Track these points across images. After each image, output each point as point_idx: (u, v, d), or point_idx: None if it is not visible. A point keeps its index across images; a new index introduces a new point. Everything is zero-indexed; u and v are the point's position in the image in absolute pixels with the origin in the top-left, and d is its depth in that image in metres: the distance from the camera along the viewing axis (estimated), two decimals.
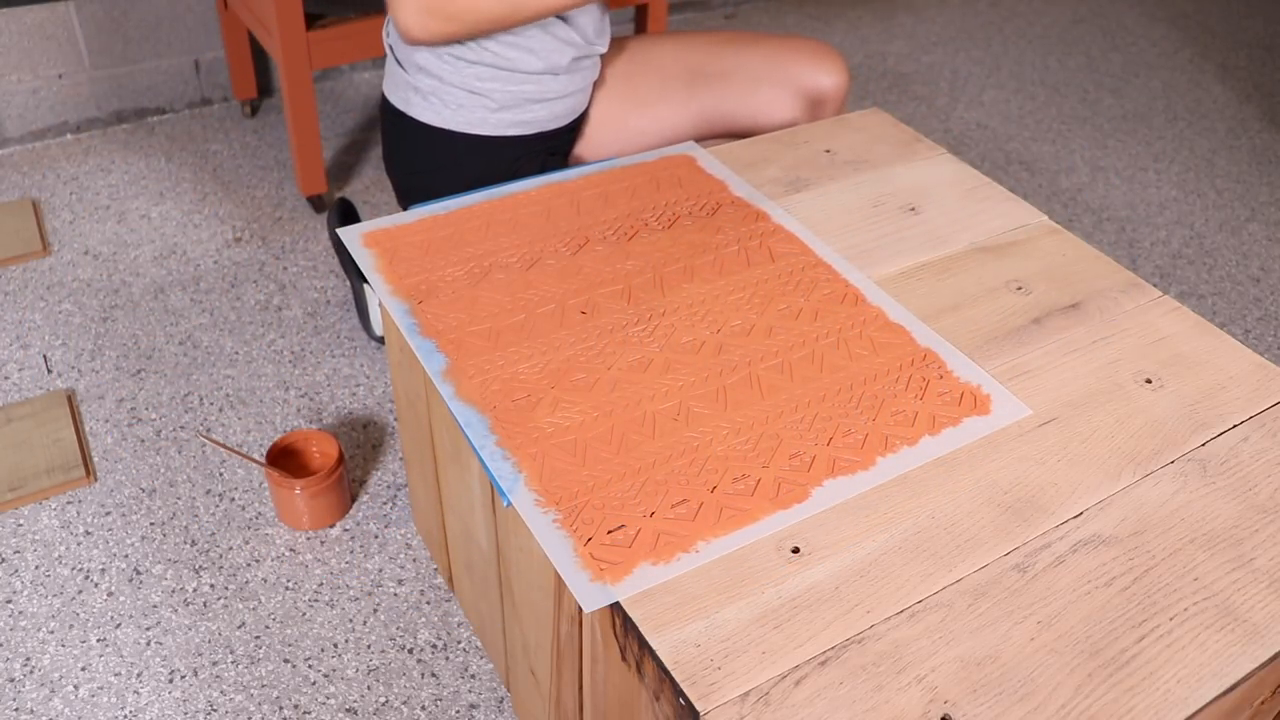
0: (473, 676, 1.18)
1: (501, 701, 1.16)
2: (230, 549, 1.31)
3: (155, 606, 1.24)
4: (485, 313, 0.95)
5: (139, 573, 1.28)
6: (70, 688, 1.15)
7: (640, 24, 2.12)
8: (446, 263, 1.00)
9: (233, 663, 1.19)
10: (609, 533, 0.75)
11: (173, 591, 1.26)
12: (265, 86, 2.23)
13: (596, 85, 1.33)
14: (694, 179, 1.13)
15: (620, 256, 1.02)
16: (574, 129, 1.31)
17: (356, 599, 1.26)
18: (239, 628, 1.22)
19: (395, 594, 1.27)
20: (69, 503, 1.35)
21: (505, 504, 0.80)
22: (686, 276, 0.99)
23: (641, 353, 0.91)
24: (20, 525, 1.32)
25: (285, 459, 1.34)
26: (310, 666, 1.19)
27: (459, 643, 1.22)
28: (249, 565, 1.29)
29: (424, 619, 1.24)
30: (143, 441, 1.44)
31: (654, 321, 0.94)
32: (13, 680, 1.16)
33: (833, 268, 1.02)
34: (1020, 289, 1.01)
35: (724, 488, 0.79)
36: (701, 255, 1.02)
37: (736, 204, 1.10)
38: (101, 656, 1.19)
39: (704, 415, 0.85)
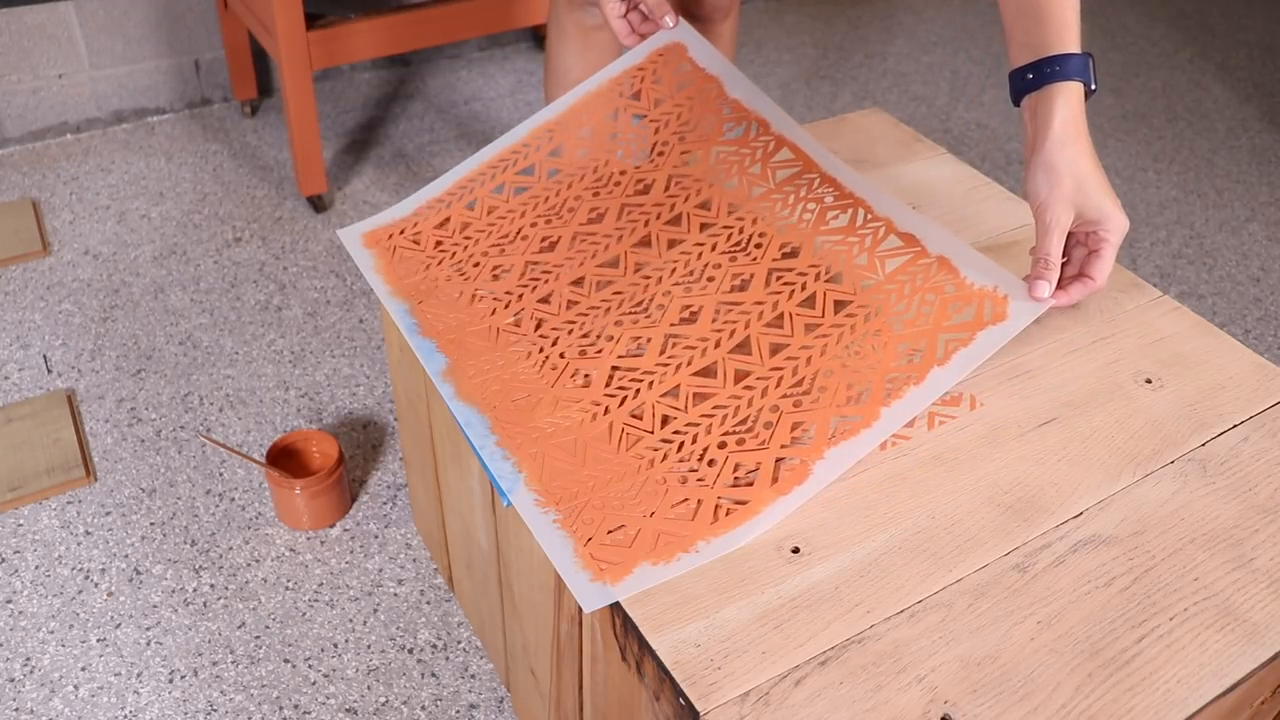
0: (473, 676, 1.18)
1: (501, 701, 1.16)
2: (230, 549, 1.31)
3: (155, 606, 1.24)
4: (485, 312, 0.94)
5: (139, 573, 1.28)
6: (70, 688, 1.15)
7: None
8: (446, 263, 1.00)
9: (233, 663, 1.19)
10: (609, 533, 0.75)
11: (173, 591, 1.26)
12: (265, 86, 2.23)
13: None
14: (689, 82, 1.06)
15: (615, 214, 0.98)
16: None
17: (356, 599, 1.26)
18: (239, 628, 1.22)
19: (395, 594, 1.27)
20: (69, 503, 1.35)
21: (505, 504, 0.80)
22: (684, 230, 0.95)
23: (639, 334, 0.89)
24: (20, 525, 1.32)
25: (285, 459, 1.35)
26: (310, 666, 1.19)
27: (459, 643, 1.22)
28: (249, 565, 1.29)
29: (424, 619, 1.24)
30: (143, 441, 1.44)
31: (651, 292, 0.91)
32: (13, 680, 1.16)
33: (838, 180, 0.95)
34: None
35: (724, 479, 0.78)
36: (704, 190, 0.97)
37: (735, 108, 1.04)
38: (101, 656, 1.19)
39: (704, 394, 0.83)
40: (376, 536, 1.33)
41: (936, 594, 0.73)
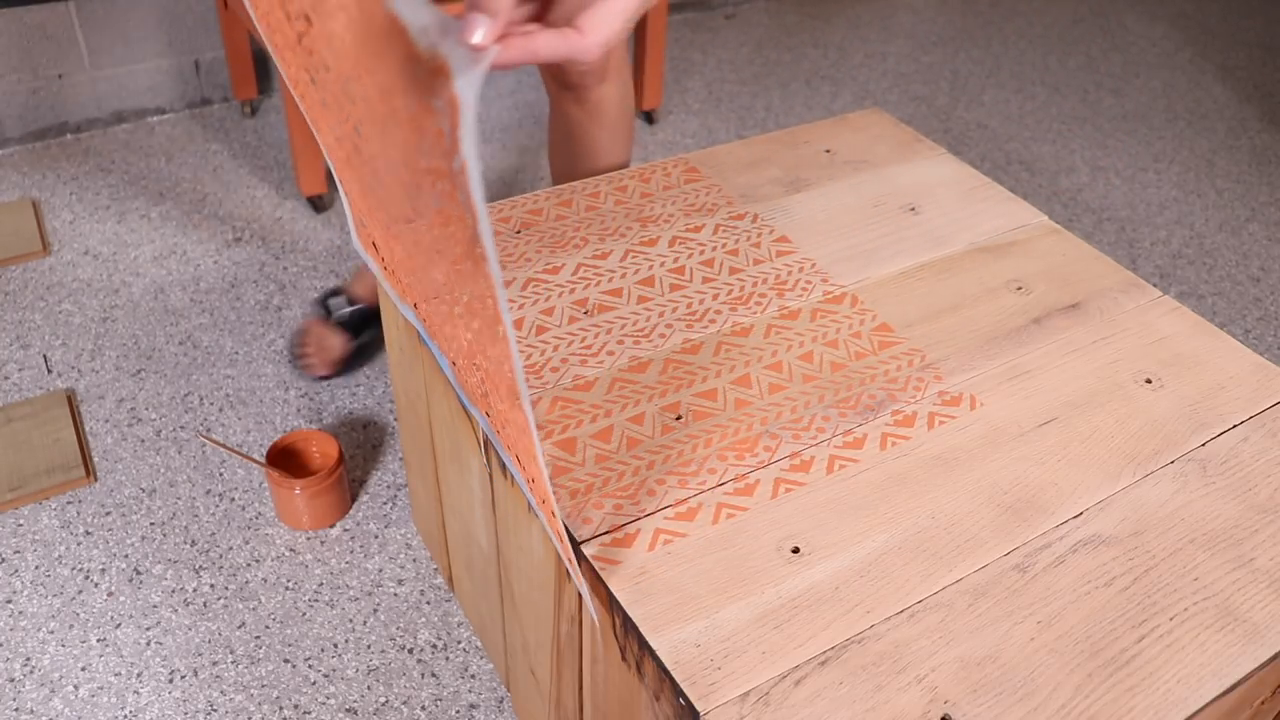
0: (473, 676, 1.18)
1: (501, 701, 1.16)
2: (230, 549, 1.31)
3: (155, 606, 1.24)
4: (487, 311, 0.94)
5: (139, 573, 1.28)
6: (70, 688, 1.15)
7: (639, 25, 2.12)
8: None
9: (233, 663, 1.19)
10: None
11: (173, 591, 1.26)
12: (265, 86, 2.23)
13: None
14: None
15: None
16: None
17: (356, 599, 1.26)
18: (239, 628, 1.22)
19: (395, 594, 1.27)
20: (69, 503, 1.35)
21: (537, 515, 0.79)
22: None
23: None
24: (20, 525, 1.32)
25: (285, 459, 1.35)
26: (310, 666, 1.19)
27: (459, 643, 1.22)
28: (249, 565, 1.29)
29: (424, 619, 1.24)
30: (143, 441, 1.44)
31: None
32: (13, 680, 1.16)
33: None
34: (1020, 289, 1.02)
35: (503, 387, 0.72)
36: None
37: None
38: (101, 656, 1.19)
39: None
40: (376, 536, 1.33)
41: (936, 594, 0.73)
